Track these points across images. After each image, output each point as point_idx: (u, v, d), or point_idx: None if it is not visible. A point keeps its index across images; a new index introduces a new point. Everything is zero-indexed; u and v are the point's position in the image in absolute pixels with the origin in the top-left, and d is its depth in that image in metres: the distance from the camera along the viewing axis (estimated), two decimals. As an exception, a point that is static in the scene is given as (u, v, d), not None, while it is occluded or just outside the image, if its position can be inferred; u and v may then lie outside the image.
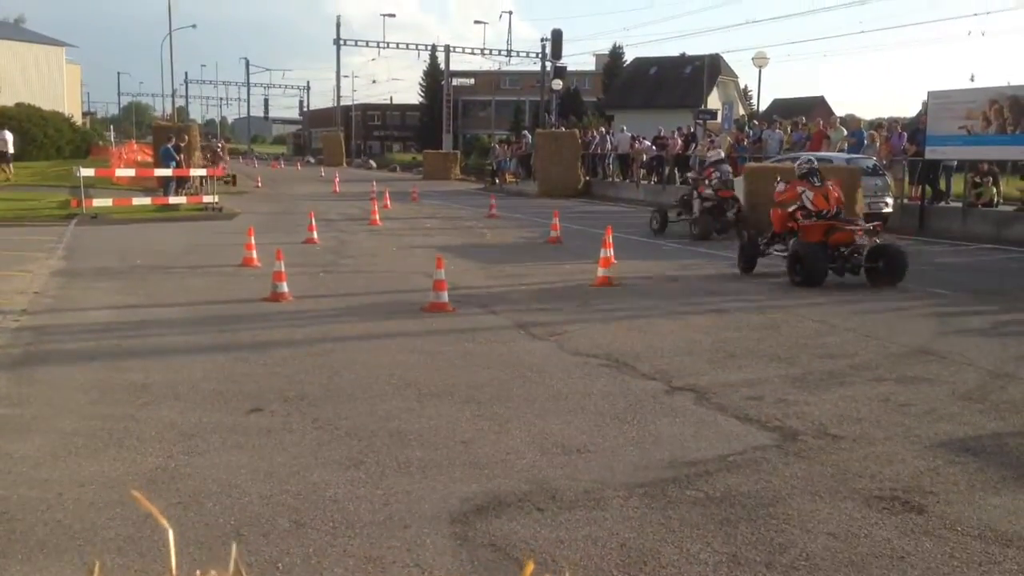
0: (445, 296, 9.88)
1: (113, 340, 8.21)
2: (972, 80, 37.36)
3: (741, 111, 50.60)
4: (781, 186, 12.67)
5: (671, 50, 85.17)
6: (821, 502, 4.58)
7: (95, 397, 6.34)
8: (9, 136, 32.59)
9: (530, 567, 1.12)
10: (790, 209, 12.31)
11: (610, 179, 32.82)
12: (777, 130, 25.39)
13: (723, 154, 20.51)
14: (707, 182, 18.30)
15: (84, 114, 75.09)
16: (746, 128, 27.80)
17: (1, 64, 52.61)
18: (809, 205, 12.00)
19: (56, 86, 60.20)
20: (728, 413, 6.09)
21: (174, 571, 0.76)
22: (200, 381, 6.79)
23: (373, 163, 69.46)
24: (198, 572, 0.85)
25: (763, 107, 54.76)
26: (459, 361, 7.63)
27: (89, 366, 7.25)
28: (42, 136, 49.14)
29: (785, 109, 53.77)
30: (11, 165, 32.38)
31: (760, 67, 34.06)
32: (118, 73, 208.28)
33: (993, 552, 4.05)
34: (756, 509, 4.47)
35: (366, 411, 6.13)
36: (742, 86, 69.55)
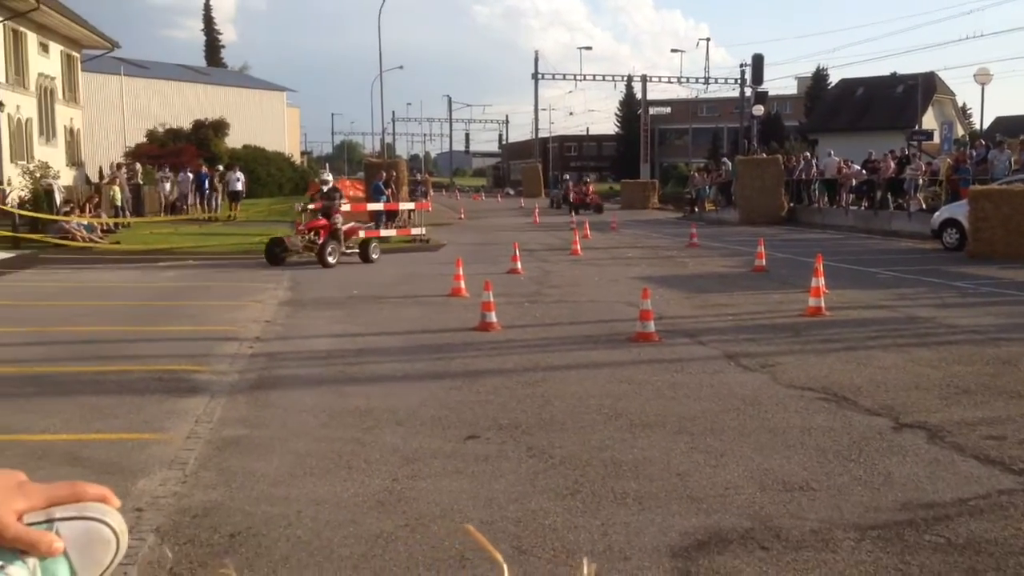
0: (652, 326, 9.81)
1: (337, 367, 8.67)
2: None
3: (960, 131, 47.60)
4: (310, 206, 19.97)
5: (880, 70, 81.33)
6: (1082, 554, 4.18)
7: (324, 420, 6.70)
8: (240, 176, 35.12)
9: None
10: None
11: (816, 205, 31.67)
12: (1005, 150, 23.67)
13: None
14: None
15: (302, 153, 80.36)
16: (968, 149, 26.08)
17: (230, 109, 57.19)
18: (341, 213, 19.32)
19: (278, 128, 64.89)
20: (966, 453, 5.69)
21: None
22: (418, 407, 7.04)
23: (571, 194, 70.21)
24: None
25: (985, 126, 51.26)
26: (668, 392, 7.54)
27: (317, 391, 7.69)
28: (265, 175, 52.95)
29: (1010, 127, 50.10)
30: (239, 204, 34.78)
31: (983, 84, 31.99)
32: (332, 114, 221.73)
33: None
34: (1005, 558, 4.14)
35: (579, 440, 6.15)
36: (960, 104, 65.53)
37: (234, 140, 52.82)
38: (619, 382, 7.89)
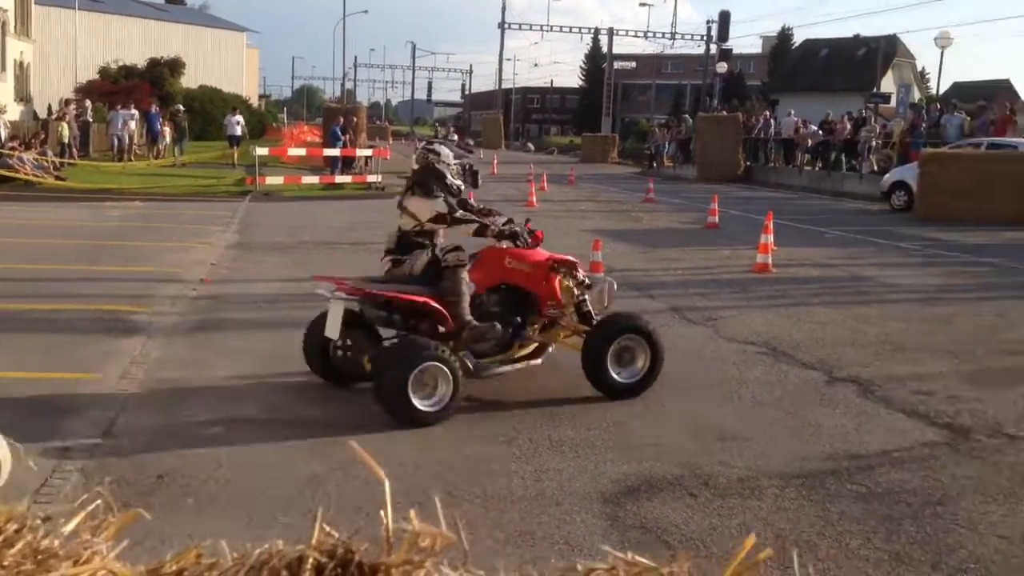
0: (600, 278, 9.83)
1: (282, 311, 8.60)
2: None
3: (917, 94, 48.04)
4: None
5: (846, 31, 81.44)
6: (994, 503, 4.31)
7: (263, 365, 6.64)
8: (240, 119, 32.57)
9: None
10: None
11: (772, 164, 31.87)
12: (956, 114, 23.90)
13: None
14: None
15: (260, 96, 78.76)
16: (923, 112, 26.32)
17: (188, 48, 55.84)
18: None
19: (236, 70, 63.54)
20: (894, 407, 5.82)
21: (389, 521, 0.79)
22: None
23: (531, 146, 69.88)
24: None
25: (942, 90, 51.74)
26: (612, 343, 7.57)
27: (258, 334, 7.64)
28: (221, 117, 51.93)
29: (966, 92, 50.55)
30: (237, 148, 31.28)
31: (943, 48, 32.22)
32: (292, 58, 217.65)
33: None
34: (922, 507, 4.25)
35: (516, 387, 6.17)
36: (919, 68, 66.04)
37: (190, 80, 51.60)
38: (563, 332, 7.90)
